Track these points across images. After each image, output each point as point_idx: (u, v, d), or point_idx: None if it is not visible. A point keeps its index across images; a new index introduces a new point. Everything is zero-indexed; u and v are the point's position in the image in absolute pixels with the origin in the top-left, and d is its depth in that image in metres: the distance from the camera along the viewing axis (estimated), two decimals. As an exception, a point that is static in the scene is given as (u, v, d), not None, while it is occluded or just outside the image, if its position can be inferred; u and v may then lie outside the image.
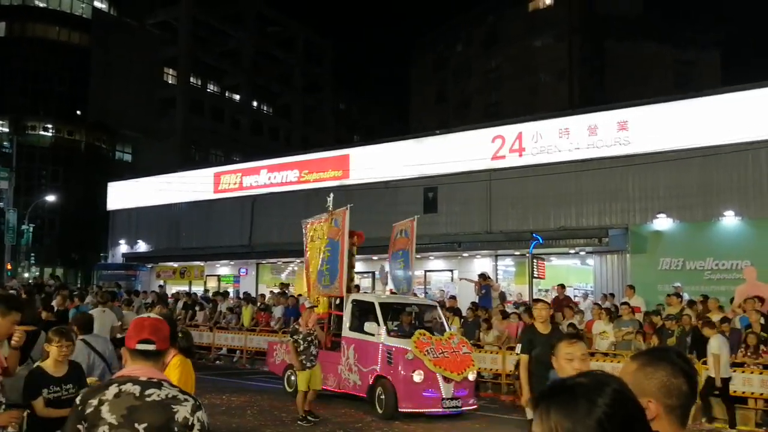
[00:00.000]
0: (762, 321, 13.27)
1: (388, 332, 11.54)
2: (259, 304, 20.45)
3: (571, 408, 1.35)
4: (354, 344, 11.95)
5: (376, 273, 20.85)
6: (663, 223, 16.99)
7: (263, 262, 26.20)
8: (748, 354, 11.54)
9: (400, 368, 10.87)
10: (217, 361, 19.71)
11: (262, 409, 11.81)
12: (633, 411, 1.41)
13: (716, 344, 10.82)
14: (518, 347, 7.50)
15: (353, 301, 12.66)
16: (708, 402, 11.31)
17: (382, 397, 11.01)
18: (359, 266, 23.83)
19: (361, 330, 11.82)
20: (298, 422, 10.28)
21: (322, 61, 66.87)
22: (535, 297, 7.68)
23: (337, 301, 13.36)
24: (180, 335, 4.97)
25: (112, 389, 2.77)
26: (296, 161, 25.34)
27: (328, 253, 13.15)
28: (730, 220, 16.22)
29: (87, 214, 45.46)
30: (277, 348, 14.25)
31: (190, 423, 2.72)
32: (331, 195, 14.07)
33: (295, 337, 10.62)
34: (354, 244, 13.68)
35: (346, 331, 12.29)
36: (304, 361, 10.48)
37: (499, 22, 55.02)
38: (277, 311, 19.36)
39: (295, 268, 25.25)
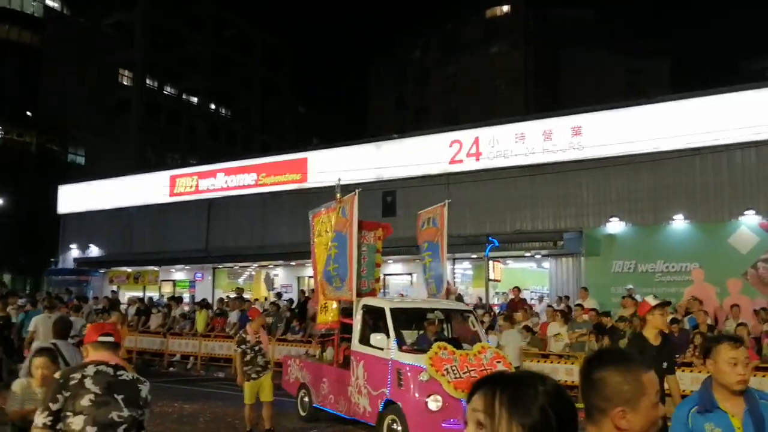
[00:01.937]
0: (709, 321, 13.65)
1: (400, 346, 9.24)
2: (215, 309, 20.21)
3: (517, 395, 1.40)
4: (363, 361, 9.74)
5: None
6: (615, 226, 17.31)
7: (220, 266, 25.89)
8: (696, 354, 11.81)
9: (412, 392, 8.67)
10: (171, 368, 19.40)
11: (215, 417, 11.64)
12: (570, 405, 1.47)
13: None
14: None
15: (364, 306, 10.28)
16: None
17: (396, 428, 8.80)
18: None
19: (369, 343, 9.67)
20: None
21: (280, 65, 66.53)
22: (654, 301, 6.09)
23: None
24: None
25: (91, 368, 3.39)
26: (254, 164, 25.13)
27: (336, 249, 10.89)
28: (679, 223, 16.60)
29: (37, 218, 44.29)
30: (291, 364, 12.31)
31: (148, 399, 3.47)
32: (339, 179, 12.26)
33: (242, 347, 9.76)
34: (379, 238, 11.69)
35: (355, 345, 10.06)
36: (249, 372, 9.65)
37: (458, 29, 55.53)
38: (233, 316, 19.15)
39: (253, 273, 25.03)
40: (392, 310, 9.72)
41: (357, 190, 10.92)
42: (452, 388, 8.34)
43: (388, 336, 9.26)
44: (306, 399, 11.37)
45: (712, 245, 16.08)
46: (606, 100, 21.41)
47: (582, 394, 1.93)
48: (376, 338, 9.35)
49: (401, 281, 22.30)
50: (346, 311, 10.90)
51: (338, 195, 11.43)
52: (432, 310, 10.72)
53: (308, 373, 11.52)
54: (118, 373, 3.43)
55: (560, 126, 18.44)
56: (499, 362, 8.98)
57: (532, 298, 18.48)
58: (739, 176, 16.27)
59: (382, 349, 9.25)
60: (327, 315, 11.40)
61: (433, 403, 8.36)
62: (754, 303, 14.66)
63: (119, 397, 3.34)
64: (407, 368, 8.77)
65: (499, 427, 1.42)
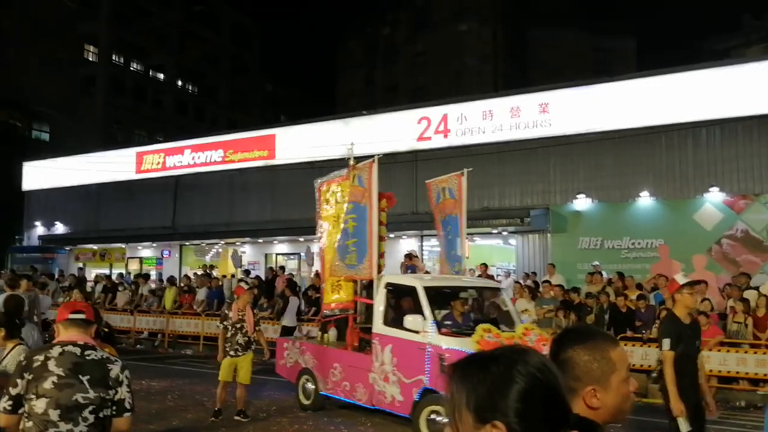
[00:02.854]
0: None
1: (439, 328, 8.48)
2: (182, 285, 20.04)
3: (468, 375, 1.34)
4: (391, 344, 8.86)
5: (302, 254, 20.71)
6: (582, 203, 17.47)
7: (187, 243, 25.64)
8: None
9: None
10: (138, 345, 19.28)
11: (183, 394, 11.58)
12: (535, 383, 1.35)
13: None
14: (665, 342, 5.97)
15: (388, 285, 9.39)
16: None
17: (438, 419, 8.00)
18: (283, 248, 23.72)
19: (400, 325, 8.71)
20: (235, 417, 9.59)
21: (249, 42, 65.64)
22: (684, 279, 6.30)
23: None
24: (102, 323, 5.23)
25: (56, 349, 3.33)
26: (221, 141, 24.82)
27: (353, 222, 9.73)
28: (645, 200, 16.81)
29: (0, 194, 43.39)
30: (289, 347, 11.18)
31: (120, 379, 3.38)
32: (353, 144, 11.30)
33: (224, 323, 9.77)
34: (383, 209, 10.36)
35: (378, 326, 9.14)
36: (227, 349, 9.61)
37: (427, 6, 55.24)
38: (201, 294, 19.04)
39: (220, 250, 24.85)
40: (426, 289, 8.82)
41: (376, 156, 9.92)
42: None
43: (424, 317, 8.41)
44: (310, 386, 10.33)
45: (677, 222, 16.33)
46: (573, 77, 21.51)
47: None
48: (410, 320, 8.38)
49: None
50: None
51: (352, 162, 10.23)
52: (465, 289, 10.01)
53: (313, 358, 10.42)
54: (86, 353, 3.34)
55: (528, 103, 18.48)
56: (544, 344, 7.97)
57: (498, 275, 18.62)
58: (704, 154, 16.49)
59: (417, 332, 8.32)
60: (340, 294, 10.14)
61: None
62: (718, 279, 14.97)
63: (84, 378, 3.26)
64: (451, 354, 7.91)
65: (456, 417, 1.35)
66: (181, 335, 18.72)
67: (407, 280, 9.68)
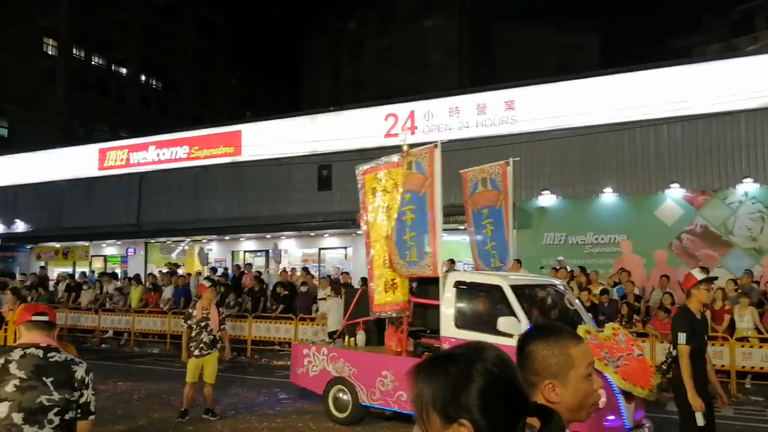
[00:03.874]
0: (636, 292, 14.19)
1: None
2: (147, 284, 19.83)
3: (432, 376, 1.37)
4: None
5: (269, 251, 20.65)
6: (547, 199, 17.69)
7: (152, 241, 25.36)
8: (623, 323, 12.24)
9: None
10: (103, 345, 19.04)
11: (150, 393, 11.48)
12: (496, 379, 1.42)
13: (328, 304, 14.30)
14: (682, 336, 5.96)
15: (458, 284, 8.59)
16: None
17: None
18: (250, 245, 23.62)
19: (483, 327, 8.02)
20: (203, 416, 9.52)
21: (214, 36, 64.93)
22: (701, 275, 6.23)
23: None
24: None
25: (18, 351, 3.28)
26: (186, 137, 24.58)
27: (412, 214, 8.78)
28: (608, 196, 17.09)
29: (-43, 193, 42.34)
30: (311, 354, 9.96)
31: (85, 381, 3.34)
32: (408, 133, 10.55)
33: (188, 322, 9.61)
34: None
35: (450, 330, 8.36)
36: (192, 349, 9.48)
37: (393, 1, 55.26)
38: (167, 292, 18.87)
39: (186, 248, 24.63)
40: (513, 288, 8.14)
41: (438, 141, 8.96)
42: (620, 379, 7.08)
43: (518, 320, 7.74)
44: (345, 397, 9.34)
45: (639, 217, 16.64)
46: (539, 74, 21.74)
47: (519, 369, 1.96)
48: (504, 323, 7.69)
49: (336, 255, 22.32)
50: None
51: (406, 147, 9.40)
52: (544, 287, 9.20)
53: (350, 365, 9.38)
54: (49, 355, 3.31)
55: (494, 100, 18.66)
56: (633, 345, 7.89)
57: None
58: (665, 150, 16.82)
59: (512, 335, 7.42)
60: (395, 294, 9.04)
61: (601, 399, 6.97)
62: (678, 273, 15.28)
63: (48, 380, 3.23)
64: None
65: (424, 418, 1.39)
66: (146, 333, 18.54)
67: (487, 278, 8.86)
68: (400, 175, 9.12)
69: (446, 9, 51.73)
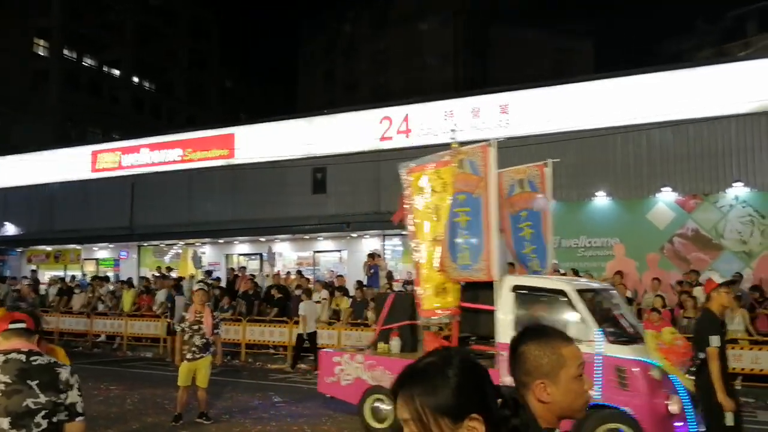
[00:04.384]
0: (628, 294, 14.26)
1: (607, 336, 7.51)
2: (138, 287, 19.75)
3: (426, 386, 1.45)
4: None
5: (263, 255, 20.65)
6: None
7: (145, 244, 25.29)
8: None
9: (646, 394, 7.10)
10: (95, 349, 18.98)
11: (143, 398, 11.45)
12: (481, 374, 1.53)
13: (302, 307, 14.89)
14: (714, 339, 6.00)
15: (516, 288, 8.18)
16: (299, 353, 15.24)
17: None
18: (244, 248, 23.58)
19: None
20: (197, 419, 9.52)
21: (208, 37, 64.85)
22: (720, 279, 6.34)
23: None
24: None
25: (0, 357, 3.28)
26: (179, 140, 24.55)
27: (466, 216, 8.46)
28: (601, 200, 17.16)
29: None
30: (344, 361, 9.46)
31: (70, 382, 3.33)
32: (455, 123, 9.68)
33: (181, 325, 9.59)
34: None
35: (506, 336, 7.86)
36: (184, 352, 9.40)
37: (388, 4, 55.29)
38: (160, 295, 18.84)
39: (179, 251, 24.57)
40: (580, 292, 7.89)
41: (494, 139, 8.69)
42: (693, 385, 6.85)
43: (587, 326, 7.49)
44: (384, 407, 8.89)
45: (631, 221, 16.72)
46: (534, 78, 21.83)
47: (510, 369, 2.02)
48: (579, 328, 7.42)
49: (331, 258, 22.33)
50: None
51: (455, 144, 8.99)
52: (600, 291, 8.75)
53: (392, 374, 8.65)
54: (32, 358, 3.31)
55: (488, 104, 18.72)
56: (687, 350, 7.55)
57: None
58: (657, 154, 16.90)
59: (581, 341, 6.97)
60: (446, 298, 8.58)
61: (675, 405, 6.97)
62: (669, 276, 15.39)
63: (34, 383, 3.23)
64: (632, 365, 7.19)
65: (433, 429, 1.46)
66: (139, 337, 18.50)
67: (549, 282, 8.52)
68: (450, 174, 8.66)
69: (442, 12, 51.79)
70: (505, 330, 7.98)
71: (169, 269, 22.34)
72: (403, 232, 19.56)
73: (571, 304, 7.76)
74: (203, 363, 9.46)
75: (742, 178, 15.87)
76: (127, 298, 19.11)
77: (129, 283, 20.18)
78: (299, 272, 19.45)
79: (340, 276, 17.96)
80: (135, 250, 25.53)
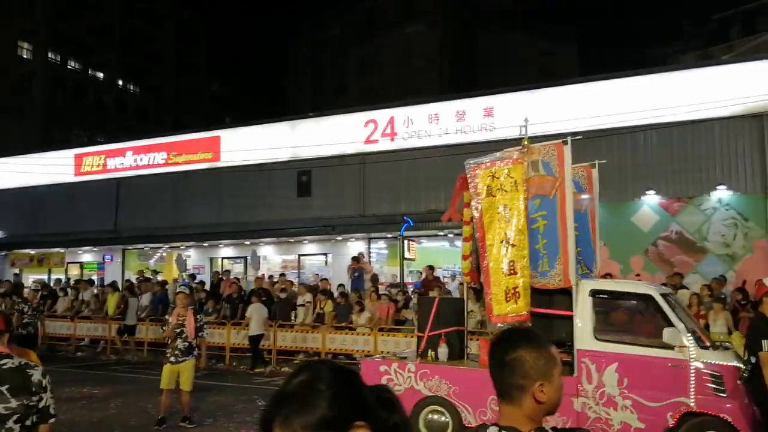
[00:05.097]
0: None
1: (698, 342, 7.38)
2: (122, 290, 19.61)
3: (301, 406, 1.37)
4: (617, 362, 7.60)
5: (248, 258, 20.58)
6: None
7: (130, 248, 25.14)
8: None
9: (741, 400, 7.02)
10: (79, 353, 18.83)
11: (127, 402, 11.38)
12: (354, 380, 1.45)
13: (251, 309, 15.46)
14: (767, 344, 6.07)
15: (594, 293, 8.00)
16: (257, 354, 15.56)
17: None
18: (229, 251, 23.50)
19: (628, 338, 7.82)
20: (180, 423, 9.48)
21: (195, 40, 64.68)
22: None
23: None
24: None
25: None
26: (164, 143, 24.44)
27: (543, 221, 8.12)
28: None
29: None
30: (390, 371, 8.92)
31: (43, 384, 3.29)
32: (526, 119, 9.26)
33: (164, 329, 9.61)
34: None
35: (587, 342, 7.79)
36: (167, 355, 9.45)
37: (375, 8, 55.39)
38: (145, 299, 18.73)
39: (164, 254, 24.44)
40: (664, 297, 7.73)
41: (569, 138, 8.33)
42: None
43: (678, 331, 7.29)
44: (442, 419, 8.46)
45: (616, 224, 16.76)
46: (520, 82, 21.90)
47: (496, 376, 2.01)
48: (671, 334, 7.22)
49: (316, 261, 22.28)
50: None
51: (526, 141, 8.55)
52: (670, 295, 8.39)
53: (449, 383, 8.49)
54: (2, 362, 3.26)
55: (473, 107, 18.76)
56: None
57: (445, 276, 18.83)
58: (641, 157, 16.98)
59: (673, 347, 7.23)
60: (518, 303, 8.15)
61: None
62: (654, 279, 15.44)
63: (4, 388, 3.17)
64: (727, 370, 7.05)
65: None
66: (124, 341, 18.36)
67: (632, 286, 8.40)
68: (520, 172, 8.27)
69: (428, 16, 51.96)
70: (585, 335, 7.79)
71: (155, 272, 22.24)
72: (388, 236, 19.79)
73: (659, 310, 7.58)
74: (186, 366, 9.42)
75: (726, 181, 15.98)
76: (111, 301, 18.97)
77: (113, 286, 20.04)
78: (282, 275, 19.44)
79: (325, 279, 17.92)
80: (120, 254, 25.37)
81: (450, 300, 10.19)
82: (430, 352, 9.07)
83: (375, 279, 17.77)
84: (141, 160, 24.60)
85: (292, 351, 16.02)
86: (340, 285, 16.99)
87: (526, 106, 17.96)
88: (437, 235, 19.67)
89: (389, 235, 19.68)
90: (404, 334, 14.46)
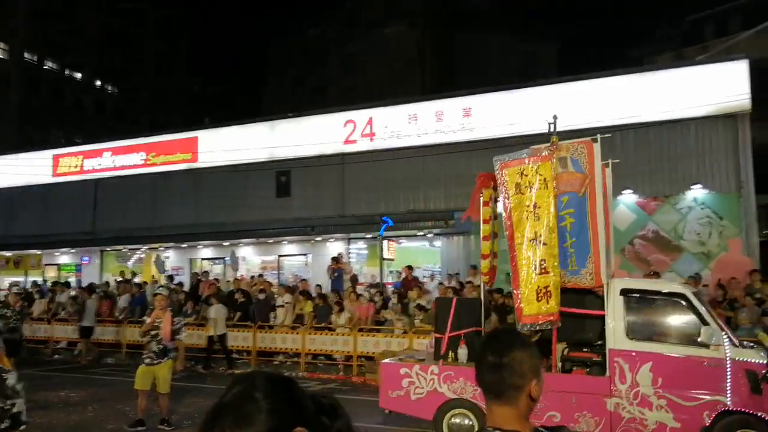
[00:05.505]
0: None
1: (733, 341, 7.47)
2: (99, 291, 19.44)
3: (239, 417, 1.34)
4: (651, 362, 7.57)
5: (226, 259, 20.50)
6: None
7: (108, 249, 24.94)
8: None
9: None
10: (56, 356, 18.66)
11: (105, 404, 11.30)
12: (292, 387, 1.43)
13: (212, 310, 15.66)
14: None
15: (626, 292, 7.99)
16: (211, 354, 15.94)
17: None
18: (208, 252, 23.39)
19: (661, 337, 7.81)
20: (159, 426, 9.43)
21: (175, 40, 64.22)
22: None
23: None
24: None
25: None
26: (142, 144, 24.27)
27: (571, 218, 8.06)
28: (563, 202, 17.32)
29: None
30: (412, 374, 8.75)
31: (17, 389, 3.34)
32: (555, 117, 9.03)
33: (141, 329, 9.63)
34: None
35: (620, 342, 7.75)
36: (143, 357, 9.46)
37: (356, 8, 55.37)
38: (123, 300, 18.60)
39: (142, 256, 24.27)
40: (696, 295, 7.86)
41: (598, 136, 8.29)
42: None
43: (712, 330, 7.35)
44: (466, 422, 8.30)
45: (591, 222, 16.90)
46: (499, 82, 22.00)
47: (490, 378, 2.02)
48: (706, 333, 7.28)
49: (296, 262, 22.24)
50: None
51: (555, 138, 8.42)
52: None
53: (474, 385, 8.16)
54: None
55: (452, 107, 18.83)
56: None
57: (424, 276, 18.89)
58: (619, 157, 17.04)
59: (708, 346, 7.30)
60: (549, 303, 7.96)
61: None
62: (631, 277, 15.58)
63: None
64: (763, 368, 7.13)
65: None
66: (101, 343, 18.22)
67: (664, 285, 8.43)
68: (549, 169, 8.11)
69: (408, 17, 52.05)
70: (617, 335, 7.74)
71: (133, 274, 22.09)
72: (368, 236, 19.80)
73: (692, 308, 7.64)
74: (162, 368, 9.36)
75: (701, 180, 16.18)
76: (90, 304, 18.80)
77: (90, 288, 19.86)
78: (260, 276, 19.41)
79: (304, 280, 17.92)
80: (97, 255, 25.17)
81: (468, 301, 10.10)
82: (451, 354, 8.91)
83: (354, 279, 17.79)
84: (119, 160, 24.42)
85: (272, 352, 15.98)
86: (318, 285, 17.00)
87: (503, 107, 18.12)
88: (416, 235, 19.74)
89: (369, 236, 19.71)
90: (384, 335, 14.49)
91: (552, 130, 8.67)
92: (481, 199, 9.46)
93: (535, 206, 8.08)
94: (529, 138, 17.37)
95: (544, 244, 7.94)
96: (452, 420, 8.31)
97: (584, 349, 8.27)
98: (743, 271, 14.42)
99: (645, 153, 16.80)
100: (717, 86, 16.03)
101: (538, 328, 7.99)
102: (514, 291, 8.16)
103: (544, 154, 8.22)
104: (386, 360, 9.63)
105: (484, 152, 18.05)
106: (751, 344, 8.14)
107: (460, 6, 52.17)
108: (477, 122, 18.31)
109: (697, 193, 16.09)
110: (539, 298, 7.96)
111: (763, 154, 17.35)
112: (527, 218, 8.13)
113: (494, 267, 9.46)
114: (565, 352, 8.32)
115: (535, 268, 7.97)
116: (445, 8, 53.61)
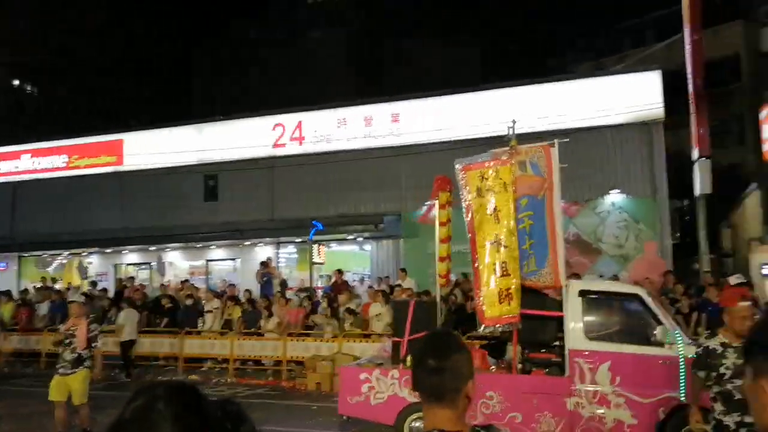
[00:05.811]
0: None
1: (685, 339, 7.69)
2: (17, 299, 18.75)
3: (146, 429, 1.31)
4: (610, 361, 7.72)
5: (152, 264, 20.10)
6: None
7: (26, 255, 24.04)
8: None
9: None
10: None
11: (22, 417, 10.89)
12: (194, 394, 1.40)
13: (122, 316, 15.53)
14: None
15: (584, 293, 8.14)
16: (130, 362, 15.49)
17: None
18: (133, 257, 22.84)
19: (619, 338, 7.95)
20: None
21: (101, 40, 62.32)
22: None
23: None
24: None
25: None
26: (64, 146, 23.57)
27: (530, 221, 8.24)
28: (489, 206, 17.73)
29: None
30: (372, 378, 8.63)
31: None
32: (514, 121, 9.20)
33: (55, 337, 9.34)
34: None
35: (579, 342, 7.84)
36: (57, 367, 9.05)
37: (286, 13, 55.17)
38: (43, 308, 17.99)
39: (64, 261, 23.51)
40: (650, 295, 8.09)
41: (556, 141, 8.54)
42: None
43: (666, 329, 7.57)
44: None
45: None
46: (426, 87, 22.33)
47: (433, 381, 2.05)
48: (661, 332, 7.49)
49: (225, 267, 21.99)
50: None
51: (513, 143, 8.57)
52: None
53: None
54: None
55: (380, 112, 19.05)
56: None
57: (354, 280, 19.00)
58: (541, 163, 17.65)
59: (662, 344, 7.52)
60: (511, 305, 7.94)
61: None
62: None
63: None
64: None
65: None
66: (18, 352, 17.57)
67: (621, 287, 8.69)
68: (509, 173, 8.18)
69: (337, 22, 52.25)
70: (576, 336, 7.84)
71: (54, 280, 21.38)
72: (297, 240, 19.77)
73: (647, 308, 7.86)
74: (76, 378, 8.97)
75: (619, 185, 16.85)
76: (6, 310, 18.11)
77: (8, 295, 19.11)
78: (186, 281, 19.10)
79: (232, 285, 17.75)
80: (15, 261, 24.23)
81: (425, 304, 10.20)
82: (409, 358, 8.67)
83: (284, 284, 17.74)
84: (39, 163, 23.64)
85: (200, 358, 15.78)
86: (247, 290, 16.88)
87: (430, 113, 18.45)
88: (346, 239, 19.83)
89: (298, 240, 19.69)
90: (314, 339, 14.51)
91: (511, 134, 8.93)
92: (437, 202, 9.70)
93: (495, 209, 8.15)
94: (458, 144, 17.81)
95: (505, 246, 8.02)
96: (413, 424, 8.22)
97: (542, 350, 8.40)
98: (658, 272, 15.08)
99: (566, 159, 17.22)
100: (633, 95, 16.76)
101: (500, 329, 8.08)
102: (475, 293, 8.22)
103: (503, 158, 8.36)
104: (345, 365, 9.50)
105: (412, 157, 18.44)
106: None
107: (388, 13, 52.72)
108: (405, 128, 18.57)
109: (615, 197, 16.76)
110: (501, 300, 7.99)
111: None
112: (488, 221, 8.19)
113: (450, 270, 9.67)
114: (525, 354, 8.43)
115: (497, 271, 8.02)
116: (372, 15, 54.04)
